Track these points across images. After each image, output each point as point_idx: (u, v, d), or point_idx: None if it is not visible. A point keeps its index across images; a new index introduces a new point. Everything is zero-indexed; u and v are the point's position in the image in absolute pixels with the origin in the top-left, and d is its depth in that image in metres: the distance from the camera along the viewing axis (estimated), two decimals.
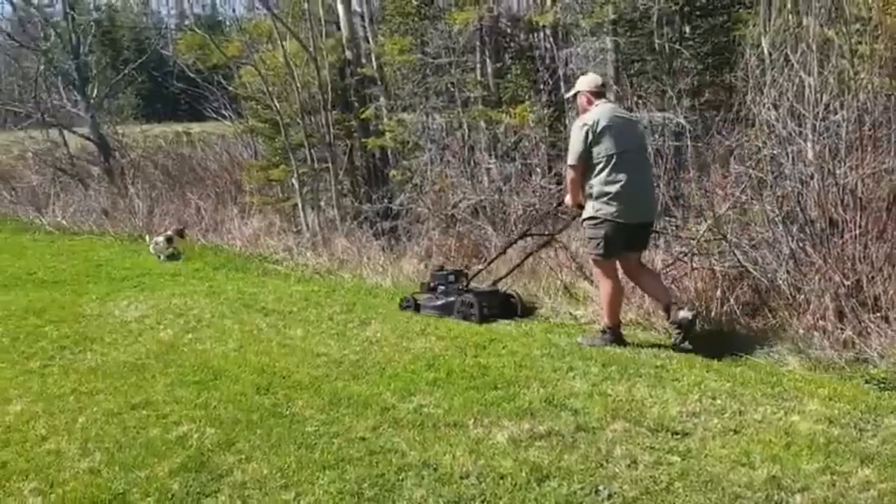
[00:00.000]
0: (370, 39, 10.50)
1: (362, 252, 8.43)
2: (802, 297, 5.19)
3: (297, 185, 10.34)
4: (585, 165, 5.13)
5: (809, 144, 5.73)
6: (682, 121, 7.82)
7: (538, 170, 8.92)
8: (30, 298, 6.93)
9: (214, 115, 15.64)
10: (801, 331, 4.95)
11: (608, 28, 8.78)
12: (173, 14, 39.33)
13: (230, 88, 13.86)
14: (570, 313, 5.89)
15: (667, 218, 7.17)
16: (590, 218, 5.15)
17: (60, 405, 4.30)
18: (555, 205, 7.01)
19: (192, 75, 14.89)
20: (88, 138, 16.00)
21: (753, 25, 7.02)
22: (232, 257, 9.21)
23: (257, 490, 3.21)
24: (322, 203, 10.49)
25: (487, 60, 9.87)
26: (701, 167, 8.06)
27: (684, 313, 5.03)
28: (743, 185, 6.05)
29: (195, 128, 20.97)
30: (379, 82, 10.37)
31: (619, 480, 3.20)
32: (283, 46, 9.77)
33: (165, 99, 28.24)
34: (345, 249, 8.66)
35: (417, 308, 6.39)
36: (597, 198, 5.10)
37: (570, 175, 5.37)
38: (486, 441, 3.63)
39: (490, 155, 9.11)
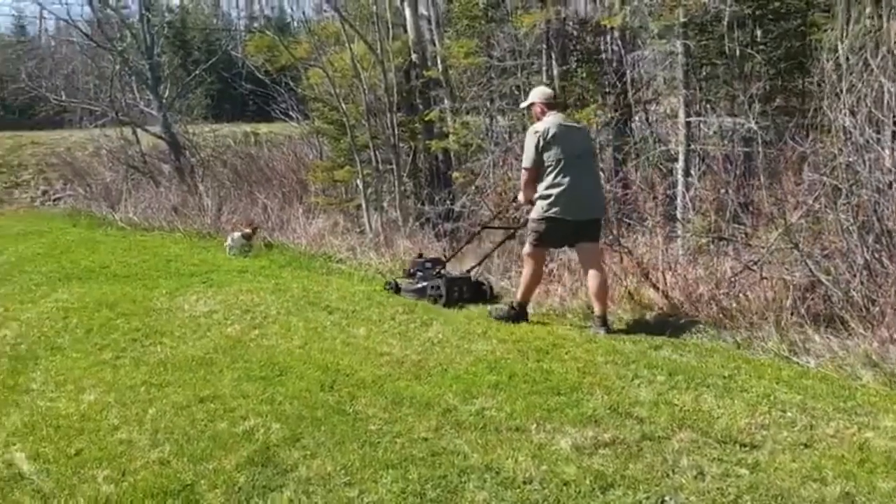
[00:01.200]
0: (436, 42, 10.55)
1: (425, 253, 8.47)
2: (877, 309, 5.02)
3: (361, 186, 10.46)
4: (537, 168, 5.81)
5: (888, 152, 5.55)
6: (754, 126, 7.65)
7: (604, 173, 8.84)
8: (103, 291, 7.14)
9: (282, 117, 15.94)
10: (875, 344, 4.78)
11: (678, 31, 8.63)
12: (243, 16, 40.19)
13: (298, 90, 14.12)
14: (637, 320, 5.81)
15: (735, 225, 7.04)
16: (538, 217, 5.85)
17: (132, 396, 4.42)
18: (511, 199, 7.62)
19: (260, 76, 15.22)
20: (160, 137, 16.44)
21: (830, 30, 6.82)
22: (297, 256, 9.36)
23: (321, 487, 3.25)
24: (385, 204, 10.59)
25: (553, 63, 9.81)
26: (772, 174, 7.87)
27: (599, 330, 5.58)
28: (816, 193, 5.89)
29: (262, 128, 21.42)
30: (444, 85, 10.42)
31: (685, 491, 3.14)
32: (350, 49, 9.89)
33: (234, 99, 28.86)
34: (407, 250, 8.72)
35: (398, 290, 7.18)
36: (543, 198, 5.79)
37: (524, 176, 6.08)
38: (549, 447, 3.60)
39: None
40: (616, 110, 9.10)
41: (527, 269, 5.99)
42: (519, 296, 5.98)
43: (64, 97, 19.42)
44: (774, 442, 3.59)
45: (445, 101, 10.42)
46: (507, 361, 4.83)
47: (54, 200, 18.28)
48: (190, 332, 5.75)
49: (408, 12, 10.86)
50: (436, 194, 10.25)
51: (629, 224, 7.82)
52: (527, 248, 6.01)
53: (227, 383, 4.57)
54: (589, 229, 5.89)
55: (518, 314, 5.91)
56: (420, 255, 7.81)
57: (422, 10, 10.99)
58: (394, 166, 10.15)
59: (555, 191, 5.71)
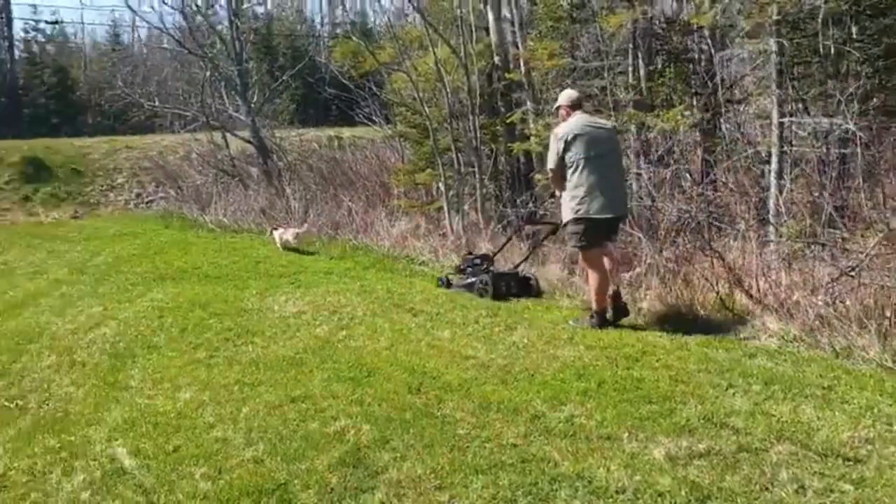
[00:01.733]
0: (519, 44, 10.50)
1: (506, 256, 8.44)
2: None
3: (442, 189, 10.50)
4: (560, 169, 6.02)
5: None
6: (851, 126, 7.34)
7: (692, 175, 8.64)
8: (195, 292, 7.37)
9: (364, 121, 16.15)
10: None
11: (771, 29, 8.35)
12: (326, 22, 40.89)
13: (381, 94, 14.28)
14: (728, 327, 5.65)
15: (831, 230, 6.77)
16: (571, 219, 5.96)
17: (226, 395, 4.55)
18: (549, 195, 8.08)
19: (344, 81, 15.44)
20: (249, 141, 16.86)
21: None
22: (381, 258, 9.45)
23: (412, 490, 3.27)
24: (466, 207, 10.60)
25: (640, 63, 9.64)
26: (870, 176, 7.55)
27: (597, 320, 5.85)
28: None
29: (346, 132, 21.74)
30: (526, 87, 10.36)
31: None
32: (434, 52, 9.94)
33: (318, 104, 29.38)
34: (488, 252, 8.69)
35: (449, 285, 7.65)
36: (572, 199, 5.93)
37: (551, 175, 6.32)
38: (642, 456, 3.53)
39: (640, 160, 8.90)
40: (705, 111, 8.86)
41: (591, 275, 6.02)
42: (594, 304, 5.96)
43: (156, 103, 20.12)
44: (880, 457, 3.44)
45: (528, 104, 10.36)
46: (595, 368, 4.76)
47: (147, 203, 18.98)
48: (280, 333, 5.88)
49: (490, 15, 10.85)
50: (517, 197, 10.20)
51: (719, 228, 7.62)
52: (580, 254, 6.21)
53: (317, 383, 4.65)
54: (615, 227, 6.24)
55: (600, 322, 5.89)
56: (470, 253, 8.33)
57: (504, 12, 10.95)
58: (475, 169, 10.15)
59: (580, 191, 5.89)
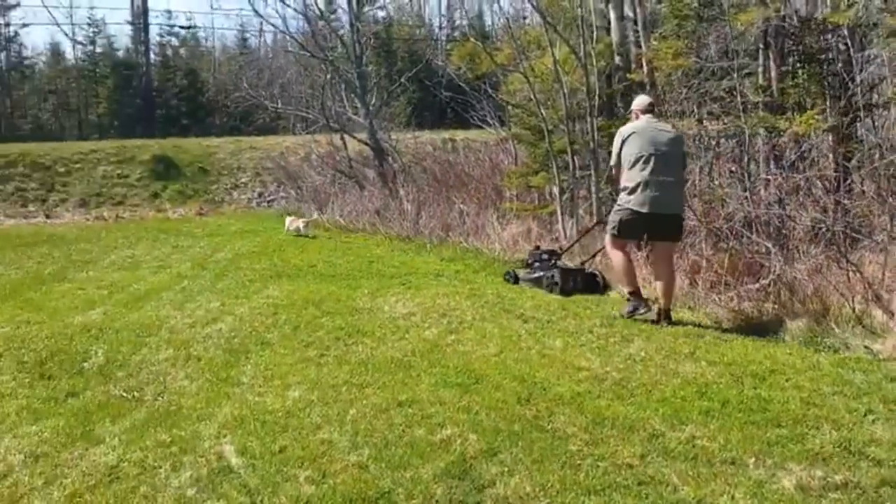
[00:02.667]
0: (642, 44, 10.14)
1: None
2: None
3: (556, 193, 10.26)
4: (619, 164, 6.44)
5: None
6: None
7: (827, 182, 8.07)
8: (310, 290, 7.44)
9: (479, 123, 16.08)
10: None
11: None
12: (444, 26, 41.18)
13: (496, 96, 14.16)
14: (866, 346, 5.20)
15: None
16: (617, 207, 6.40)
17: (333, 395, 4.50)
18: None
19: (461, 84, 15.43)
20: (366, 143, 17.09)
21: None
22: (491, 261, 9.33)
23: None
24: (581, 211, 10.31)
25: (771, 64, 9.11)
26: None
27: (663, 322, 6.05)
28: None
29: (460, 135, 21.79)
30: (648, 88, 9.99)
31: None
32: (552, 52, 9.73)
33: (433, 107, 29.63)
34: (603, 259, 8.42)
35: (517, 280, 7.96)
36: (623, 190, 6.33)
37: (613, 171, 6.85)
38: (770, 485, 3.24)
39: (769, 165, 8.39)
40: (844, 114, 8.27)
41: (614, 259, 6.55)
42: (625, 289, 6.52)
43: (279, 105, 20.73)
44: None
45: None
46: (718, 386, 4.45)
47: (269, 202, 19.57)
48: (389, 334, 5.83)
49: (612, 14, 10.54)
50: None
51: (855, 239, 7.07)
52: (607, 239, 6.62)
53: (424, 388, 4.55)
54: (665, 227, 6.26)
55: (637, 303, 6.25)
56: (537, 248, 8.54)
57: (627, 11, 10.62)
58: (592, 172, 9.86)
59: (631, 184, 6.21)
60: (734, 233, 7.18)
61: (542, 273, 7.76)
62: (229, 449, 3.73)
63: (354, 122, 17.80)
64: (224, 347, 5.64)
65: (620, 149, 6.40)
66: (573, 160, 10.17)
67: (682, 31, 10.00)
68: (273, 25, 55.58)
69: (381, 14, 31.82)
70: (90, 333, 6.12)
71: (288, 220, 13.52)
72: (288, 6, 22.18)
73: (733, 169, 8.99)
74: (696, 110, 9.38)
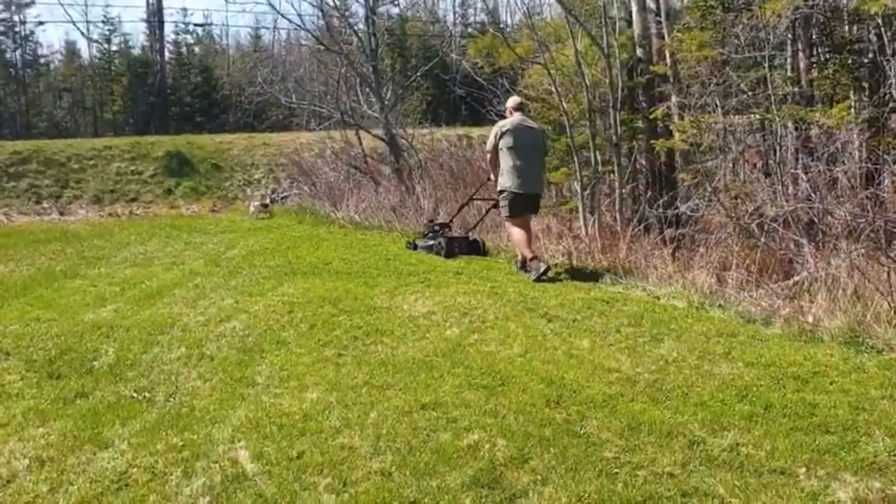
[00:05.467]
0: (665, 35, 9.87)
1: (648, 260, 7.89)
2: None
3: (578, 188, 10.01)
4: (495, 153, 8.12)
5: None
6: None
7: (858, 177, 7.80)
8: (326, 288, 7.23)
9: (496, 118, 15.82)
10: None
11: None
12: (458, 21, 40.99)
13: (513, 91, 13.91)
14: None
15: None
16: (500, 191, 8.18)
17: (353, 397, 4.30)
18: (486, 179, 9.80)
19: (477, 78, 15.20)
20: (382, 139, 16.88)
21: None
22: (511, 259, 9.09)
23: None
24: (603, 207, 10.06)
25: (800, 54, 8.83)
26: None
27: (541, 265, 7.59)
28: None
29: (474, 132, 21.56)
30: (672, 81, 9.72)
31: None
32: (574, 44, 9.49)
33: (447, 104, 29.44)
34: (627, 256, 8.18)
35: (416, 248, 9.85)
36: (501, 176, 8.08)
37: (487, 158, 8.60)
38: (824, 497, 3.03)
39: (798, 159, 8.12)
40: (878, 106, 7.98)
41: (512, 235, 8.24)
42: (520, 254, 8.03)
43: (293, 100, 20.56)
44: None
45: (672, 98, 9.71)
46: (759, 389, 4.21)
47: (282, 198, 19.39)
48: (409, 333, 5.61)
49: (634, 6, 10.27)
50: (659, 197, 9.57)
51: (893, 235, 6.79)
52: (504, 219, 8.46)
53: (447, 390, 4.34)
54: (531, 202, 8.22)
55: (538, 265, 7.60)
56: (431, 221, 10.71)
57: (649, 2, 10.34)
58: (615, 167, 9.61)
59: (508, 169, 7.97)
60: (765, 228, 6.93)
61: (433, 241, 9.61)
62: (244, 454, 3.53)
63: (369, 118, 17.59)
64: (238, 346, 5.45)
65: (497, 140, 8.04)
66: (595, 155, 9.91)
67: (706, 22, 9.73)
68: (288, 19, 55.67)
69: (394, 10, 31.58)
70: (101, 331, 5.95)
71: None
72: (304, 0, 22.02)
73: (761, 163, 8.73)
74: (721, 102, 9.09)
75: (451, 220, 10.42)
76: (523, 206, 8.04)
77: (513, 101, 8.51)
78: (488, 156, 8.37)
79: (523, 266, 7.86)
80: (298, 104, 20.63)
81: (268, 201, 17.11)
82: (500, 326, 5.75)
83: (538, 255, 7.92)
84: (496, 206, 8.89)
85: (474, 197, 10.69)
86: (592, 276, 7.74)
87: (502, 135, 7.98)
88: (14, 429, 4.04)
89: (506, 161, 7.97)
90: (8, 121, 35.55)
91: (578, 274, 7.87)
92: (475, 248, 9.55)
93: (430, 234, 9.92)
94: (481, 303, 6.45)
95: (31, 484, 3.36)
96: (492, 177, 8.55)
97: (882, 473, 3.20)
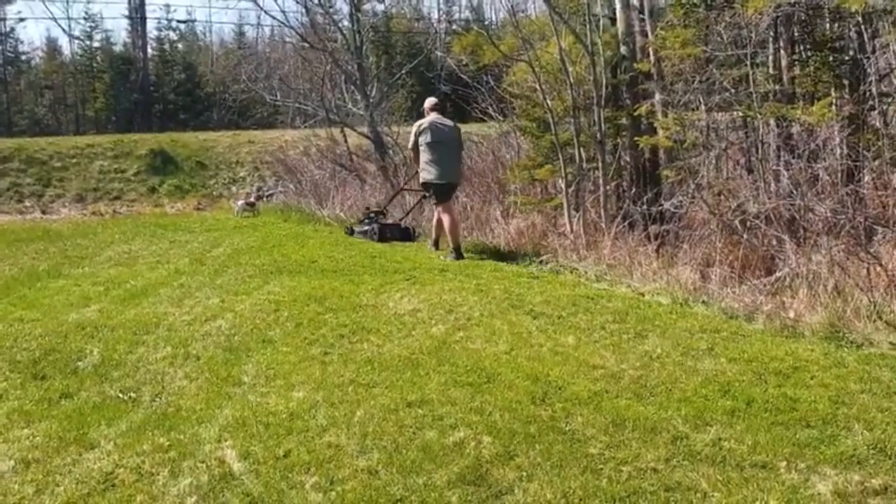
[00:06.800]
0: (649, 33, 9.92)
1: (632, 256, 7.94)
2: None
3: (563, 185, 10.05)
4: (415, 149, 9.24)
5: None
6: None
7: (838, 174, 7.87)
8: (312, 286, 7.23)
9: (480, 116, 15.85)
10: None
11: None
12: (443, 19, 40.94)
13: (498, 88, 13.94)
14: (891, 342, 5.01)
15: None
16: (423, 183, 9.30)
17: (339, 395, 4.31)
18: (414, 174, 10.67)
19: (462, 76, 15.20)
20: (367, 136, 16.88)
21: None
22: (496, 256, 9.13)
23: None
24: (588, 204, 10.11)
25: (781, 52, 8.91)
26: None
27: (450, 256, 8.80)
28: None
29: (460, 128, 21.51)
30: (655, 78, 9.77)
31: None
32: (558, 42, 9.53)
33: None
34: (612, 253, 8.23)
35: (352, 233, 11.14)
36: (423, 170, 9.17)
37: (410, 153, 9.92)
38: (805, 490, 3.06)
39: (780, 156, 8.19)
40: (856, 104, 8.06)
41: (445, 220, 9.07)
42: (451, 242, 9.00)
43: (278, 97, 20.49)
44: None
45: (656, 95, 9.76)
46: (741, 384, 4.26)
47: (267, 196, 19.35)
48: (395, 331, 5.63)
49: (618, 3, 10.31)
50: (643, 194, 9.62)
51: (872, 231, 6.88)
52: (435, 206, 9.38)
53: (433, 387, 4.36)
54: (450, 190, 9.33)
55: (458, 255, 8.86)
56: (367, 209, 11.79)
57: (632, 0, 10.39)
58: (599, 164, 9.66)
59: (428, 162, 9.06)
60: (747, 225, 6.99)
61: (368, 227, 10.81)
62: (231, 453, 3.54)
63: (354, 116, 17.57)
64: (224, 346, 5.45)
65: (417, 137, 9.15)
66: (579, 152, 9.96)
67: (689, 20, 9.78)
68: (271, 16, 55.37)
69: (379, 7, 31.51)
70: (85, 331, 5.92)
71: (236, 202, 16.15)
72: None
73: (743, 160, 8.80)
74: (703, 100, 9.15)
75: (384, 209, 11.60)
76: (447, 193, 9.18)
77: (429, 101, 9.64)
78: (410, 152, 9.60)
79: (457, 254, 8.85)
80: (283, 102, 20.61)
81: (253, 199, 17.29)
82: (486, 324, 5.77)
83: (460, 244, 9.00)
84: (425, 197, 10.16)
85: (404, 188, 12.03)
86: (580, 274, 7.78)
87: (421, 132, 9.10)
88: None
89: (426, 155, 9.04)
90: None
91: (564, 271, 7.92)
92: (406, 235, 10.72)
93: (367, 221, 11.13)
94: (466, 300, 6.47)
95: (16, 485, 3.36)
96: (416, 167, 9.60)
97: (861, 466, 3.25)
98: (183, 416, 4.09)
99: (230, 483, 3.26)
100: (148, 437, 3.77)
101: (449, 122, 9.47)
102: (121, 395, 4.47)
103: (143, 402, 4.35)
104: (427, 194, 9.51)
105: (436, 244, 9.47)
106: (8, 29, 37.90)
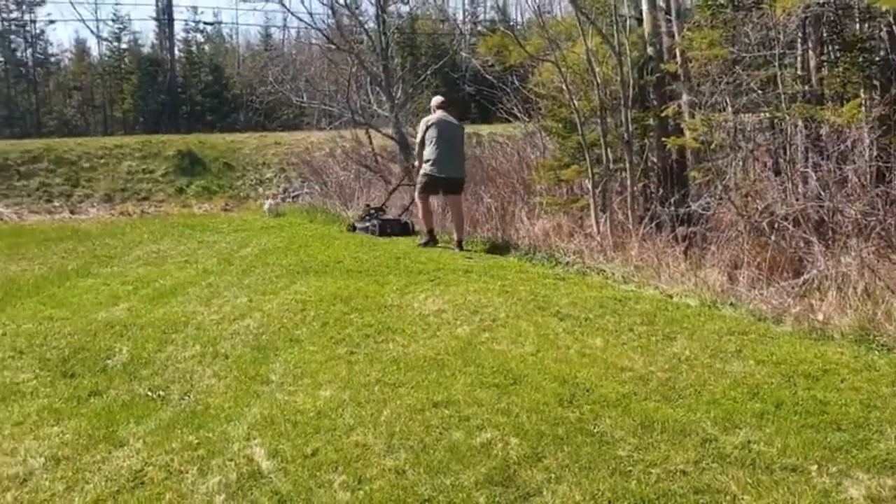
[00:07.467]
0: (676, 34, 9.86)
1: (660, 258, 7.89)
2: None
3: (589, 186, 10.01)
4: (422, 144, 9.80)
5: None
6: None
7: (868, 175, 7.77)
8: (338, 286, 7.25)
9: (505, 117, 15.83)
10: None
11: None
12: (468, 20, 40.96)
13: (524, 89, 13.91)
14: None
15: None
16: (424, 174, 9.78)
17: (366, 395, 4.33)
18: (413, 166, 11.42)
19: (487, 76, 15.20)
20: (392, 137, 16.91)
21: None
22: (521, 257, 9.11)
23: None
24: (615, 205, 10.06)
25: (810, 53, 8.81)
26: None
27: (455, 249, 9.42)
28: None
29: (484, 130, 21.55)
30: (682, 79, 9.70)
31: None
32: (585, 43, 9.50)
33: (456, 103, 29.37)
34: (639, 254, 8.18)
35: (354, 229, 11.67)
36: (425, 162, 9.75)
37: (416, 148, 10.28)
38: (837, 495, 3.03)
39: (808, 158, 8.09)
40: (890, 104, 7.94)
41: (421, 209, 9.97)
42: (425, 227, 9.90)
43: (304, 98, 20.60)
44: None
45: (683, 96, 9.69)
46: (770, 387, 4.22)
47: (294, 197, 19.44)
48: (420, 331, 5.63)
49: (644, 4, 10.26)
50: (670, 195, 9.56)
51: None
52: (416, 194, 10.13)
53: (459, 388, 4.36)
54: (454, 185, 9.85)
55: (429, 238, 9.85)
56: (368, 206, 12.37)
57: (659, 1, 10.33)
58: (627, 164, 9.60)
59: (432, 157, 9.61)
60: (775, 227, 6.92)
61: (369, 223, 11.38)
62: (259, 452, 3.56)
63: (379, 117, 17.62)
64: (252, 344, 5.49)
65: (425, 133, 9.75)
66: (606, 153, 9.92)
67: (716, 21, 9.71)
68: (298, 18, 55.76)
69: (404, 8, 31.58)
70: (114, 330, 5.99)
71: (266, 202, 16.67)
72: None
73: (771, 161, 8.71)
74: (731, 100, 9.07)
75: (383, 205, 12.20)
76: (436, 187, 9.84)
77: (436, 100, 10.41)
78: (416, 147, 10.10)
79: (431, 238, 9.72)
80: (309, 103, 20.68)
81: (279, 200, 17.71)
82: (512, 325, 5.76)
83: (462, 237, 9.64)
84: (404, 184, 11.71)
85: (402, 183, 12.74)
86: (607, 276, 7.75)
87: (428, 128, 9.74)
88: (29, 427, 4.08)
89: (431, 149, 9.65)
90: (19, 119, 35.75)
91: (591, 272, 7.88)
92: (406, 230, 11.28)
93: (367, 217, 11.67)
94: (492, 301, 6.46)
95: (47, 482, 3.40)
96: (416, 164, 10.26)
97: (894, 471, 3.20)
98: (211, 414, 4.12)
99: (259, 481, 3.28)
100: (177, 435, 3.81)
101: (455, 121, 10.08)
102: (150, 394, 4.52)
103: (171, 401, 4.39)
104: (417, 181, 9.97)
105: (430, 234, 9.87)
106: (38, 31, 38.44)
